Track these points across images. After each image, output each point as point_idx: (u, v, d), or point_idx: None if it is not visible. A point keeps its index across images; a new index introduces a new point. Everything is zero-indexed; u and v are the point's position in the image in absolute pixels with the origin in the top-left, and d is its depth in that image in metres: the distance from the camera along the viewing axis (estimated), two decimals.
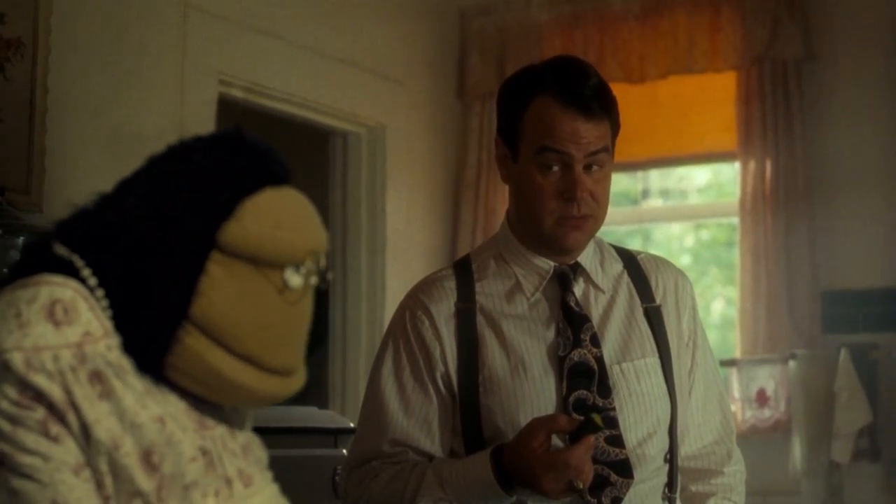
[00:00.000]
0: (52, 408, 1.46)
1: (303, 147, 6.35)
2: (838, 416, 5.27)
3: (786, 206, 5.60)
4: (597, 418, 2.14)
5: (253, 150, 1.61)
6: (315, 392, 6.45)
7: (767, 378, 5.53)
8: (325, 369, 5.96)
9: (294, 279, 1.58)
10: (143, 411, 1.50)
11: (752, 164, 5.71)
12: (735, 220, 5.86)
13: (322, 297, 5.76)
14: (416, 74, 6.05)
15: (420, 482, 2.28)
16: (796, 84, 5.67)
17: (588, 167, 2.32)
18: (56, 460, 1.46)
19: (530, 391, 2.31)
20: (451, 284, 2.41)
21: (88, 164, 4.05)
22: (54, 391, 1.46)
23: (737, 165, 5.81)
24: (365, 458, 2.39)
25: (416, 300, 2.41)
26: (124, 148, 4.11)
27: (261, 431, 3.72)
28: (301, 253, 1.58)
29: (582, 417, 2.18)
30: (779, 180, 5.63)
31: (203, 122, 4.54)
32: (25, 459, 1.45)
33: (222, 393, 1.57)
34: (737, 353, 5.67)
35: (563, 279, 2.39)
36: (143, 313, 1.53)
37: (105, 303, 1.53)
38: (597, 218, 2.37)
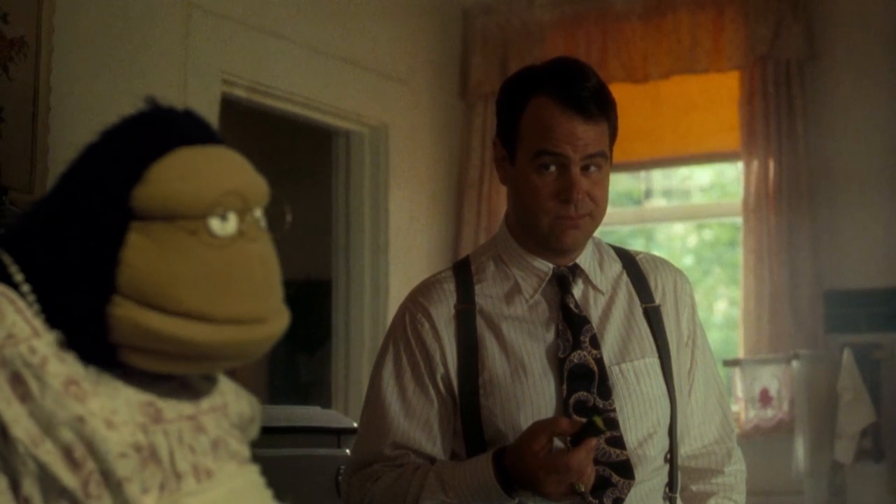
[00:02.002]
0: None
1: (306, 146, 6.38)
2: (841, 416, 5.27)
3: (789, 205, 5.60)
4: (598, 421, 2.14)
5: (164, 116, 1.57)
6: (318, 392, 6.46)
7: (771, 378, 5.53)
8: (328, 369, 5.96)
9: (216, 225, 1.52)
10: (61, 411, 1.47)
11: (755, 164, 5.71)
12: (738, 219, 5.86)
13: (324, 297, 5.69)
14: (419, 74, 6.05)
15: (422, 485, 2.28)
16: (799, 84, 5.67)
17: (585, 168, 2.31)
18: None
19: (530, 393, 2.31)
20: (450, 287, 2.41)
21: None
22: None
23: (740, 165, 5.81)
24: (366, 460, 2.38)
25: (415, 303, 2.41)
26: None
27: (264, 431, 3.72)
28: (212, 197, 1.52)
29: (584, 420, 2.18)
30: (782, 180, 5.63)
31: None
32: None
33: (184, 357, 1.52)
34: (740, 353, 5.68)
35: (562, 281, 2.39)
36: (72, 298, 1.50)
37: (32, 298, 1.50)
38: (594, 217, 2.36)
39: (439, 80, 6.21)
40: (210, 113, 4.68)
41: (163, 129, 1.55)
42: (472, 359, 2.34)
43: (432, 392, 2.35)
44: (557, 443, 2.21)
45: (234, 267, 1.53)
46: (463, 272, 2.44)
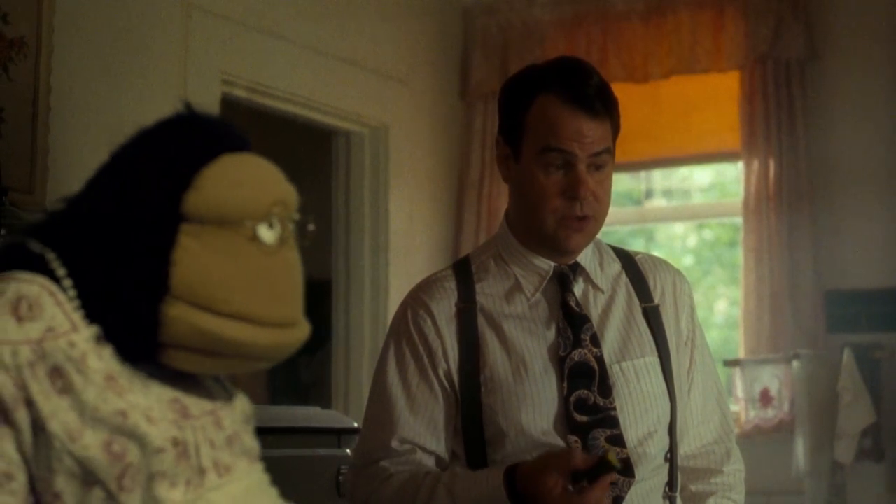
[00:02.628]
0: (3, 404, 1.47)
1: (306, 147, 6.37)
2: (842, 417, 5.27)
3: (789, 205, 5.60)
4: (612, 458, 2.13)
5: (205, 123, 1.64)
6: (318, 392, 6.46)
7: (771, 378, 5.53)
8: (328, 369, 5.96)
9: (265, 232, 1.60)
10: (103, 405, 1.51)
11: (755, 164, 5.71)
12: (738, 219, 5.86)
13: (324, 298, 5.70)
14: (420, 74, 6.05)
15: (431, 496, 2.28)
16: (800, 84, 5.67)
17: (591, 166, 2.32)
18: None
19: (531, 391, 2.31)
20: (451, 285, 2.41)
21: (91, 163, 4.01)
22: (6, 386, 1.47)
23: (740, 165, 5.81)
24: (373, 456, 2.38)
25: (417, 299, 2.42)
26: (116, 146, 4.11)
27: (265, 431, 3.72)
28: (264, 205, 1.60)
29: (597, 455, 2.17)
30: (782, 180, 5.63)
31: None
32: None
33: (226, 357, 1.58)
34: (740, 353, 5.67)
35: (563, 279, 2.39)
36: (123, 297, 1.54)
37: (73, 293, 1.54)
38: (597, 219, 2.37)
39: (439, 80, 6.21)
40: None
41: (208, 136, 1.62)
42: (473, 357, 2.34)
43: (436, 386, 2.36)
44: (554, 439, 2.22)
45: (279, 273, 1.61)
46: (463, 271, 2.44)
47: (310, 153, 6.39)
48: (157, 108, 1.66)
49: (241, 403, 1.73)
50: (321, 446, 3.74)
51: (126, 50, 4.36)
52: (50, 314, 1.51)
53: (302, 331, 1.65)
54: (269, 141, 6.82)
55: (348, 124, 5.75)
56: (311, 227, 1.69)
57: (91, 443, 1.49)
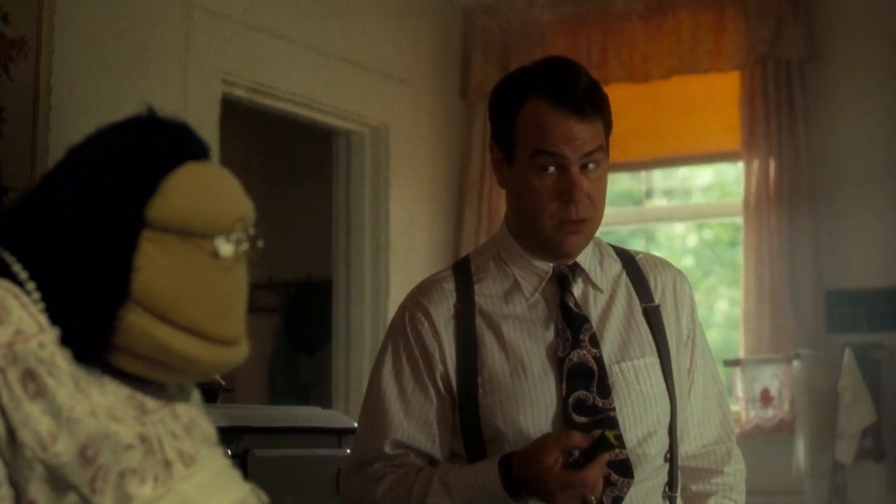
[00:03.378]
0: None
1: (306, 147, 6.38)
2: (842, 416, 5.27)
3: (789, 205, 5.60)
4: (610, 435, 2.14)
5: (169, 128, 1.62)
6: (319, 392, 6.46)
7: (771, 378, 5.53)
8: (328, 370, 5.96)
9: (224, 247, 1.59)
10: (77, 406, 1.50)
11: (755, 164, 5.71)
12: (738, 219, 5.86)
13: (325, 298, 5.68)
14: (420, 74, 6.05)
15: (426, 489, 2.28)
16: (800, 84, 5.68)
17: (584, 167, 2.31)
18: None
19: (530, 392, 2.31)
20: (449, 286, 2.41)
21: None
22: None
23: (740, 165, 5.82)
24: (367, 459, 2.38)
25: (415, 302, 2.41)
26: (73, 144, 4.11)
27: (265, 432, 3.72)
28: (229, 221, 1.59)
29: (595, 434, 2.18)
30: (782, 180, 5.63)
31: (206, 122, 4.54)
32: None
33: (170, 368, 1.58)
34: (741, 353, 5.68)
35: (562, 280, 2.39)
36: (83, 299, 1.53)
37: (37, 296, 1.53)
38: (594, 221, 2.36)
39: (440, 80, 6.21)
40: (210, 113, 4.68)
41: (172, 141, 1.60)
42: (471, 358, 2.34)
43: (431, 391, 2.35)
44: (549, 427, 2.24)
45: (231, 290, 1.61)
46: (463, 272, 2.44)
47: (310, 153, 6.39)
48: (157, 107, 1.65)
49: (192, 388, 1.73)
50: (321, 446, 3.74)
51: (126, 50, 4.36)
52: (17, 317, 1.49)
53: (243, 349, 1.64)
54: (269, 141, 6.82)
55: (349, 124, 5.75)
56: (260, 243, 1.65)
57: (64, 449, 1.48)
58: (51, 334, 1.51)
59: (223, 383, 3.78)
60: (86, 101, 4.15)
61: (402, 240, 5.86)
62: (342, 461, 3.60)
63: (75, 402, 1.50)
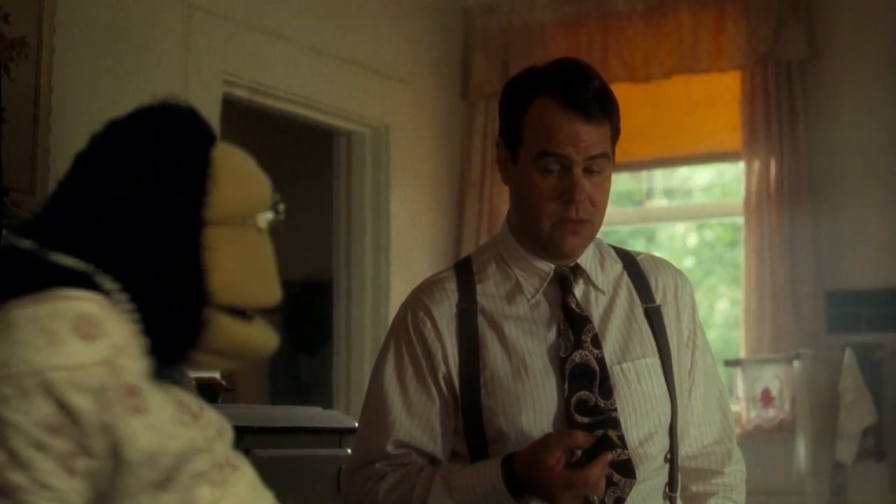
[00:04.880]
0: (82, 435, 1.43)
1: (307, 147, 6.37)
2: (843, 416, 5.27)
3: (790, 205, 5.60)
4: (613, 435, 2.14)
5: (186, 116, 1.65)
6: (319, 392, 6.46)
7: (772, 378, 5.53)
8: (329, 370, 5.96)
9: (264, 220, 1.65)
10: (171, 416, 1.51)
11: (756, 164, 5.71)
12: (739, 219, 5.86)
13: (326, 298, 5.67)
14: (421, 74, 6.05)
15: (427, 488, 2.28)
16: (800, 84, 5.68)
17: (587, 170, 2.31)
18: (66, 503, 1.43)
19: (532, 392, 2.31)
20: (451, 286, 2.41)
21: None
22: (92, 413, 1.43)
23: (741, 165, 5.82)
24: (368, 459, 2.38)
25: (417, 301, 2.41)
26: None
27: (266, 432, 3.72)
28: (268, 195, 1.66)
29: (598, 433, 2.18)
30: (783, 180, 5.63)
31: None
32: (36, 499, 1.41)
33: (241, 361, 1.66)
34: (741, 353, 5.67)
35: (564, 281, 2.39)
36: (168, 310, 1.53)
37: (128, 307, 1.51)
38: (594, 223, 2.36)
39: (440, 80, 6.21)
40: (211, 113, 4.68)
41: (198, 131, 1.63)
42: (473, 358, 2.34)
43: (434, 391, 2.35)
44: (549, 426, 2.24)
45: (272, 255, 1.67)
46: (464, 272, 2.44)
47: (311, 153, 6.39)
48: (160, 96, 1.67)
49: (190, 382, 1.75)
50: (322, 446, 3.75)
51: (127, 50, 4.37)
52: (113, 331, 1.46)
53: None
54: (270, 141, 6.85)
55: (349, 124, 5.75)
56: (281, 206, 1.70)
57: (164, 464, 1.48)
58: (141, 346, 1.50)
59: (224, 383, 3.78)
60: (86, 101, 4.15)
61: (403, 240, 5.86)
62: (343, 461, 3.61)
63: (168, 413, 1.50)
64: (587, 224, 2.33)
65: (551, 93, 2.31)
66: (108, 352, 1.44)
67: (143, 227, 1.54)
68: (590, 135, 2.29)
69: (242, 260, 1.60)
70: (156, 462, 1.46)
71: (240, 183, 1.62)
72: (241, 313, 1.61)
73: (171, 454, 1.48)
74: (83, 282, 1.49)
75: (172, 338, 1.54)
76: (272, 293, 1.65)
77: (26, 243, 1.54)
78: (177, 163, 1.58)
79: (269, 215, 1.65)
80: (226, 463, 1.59)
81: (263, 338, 1.65)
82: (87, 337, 1.43)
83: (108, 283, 1.51)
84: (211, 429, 1.60)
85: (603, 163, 2.32)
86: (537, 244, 2.38)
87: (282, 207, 1.68)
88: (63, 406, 1.41)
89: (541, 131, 2.31)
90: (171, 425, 1.50)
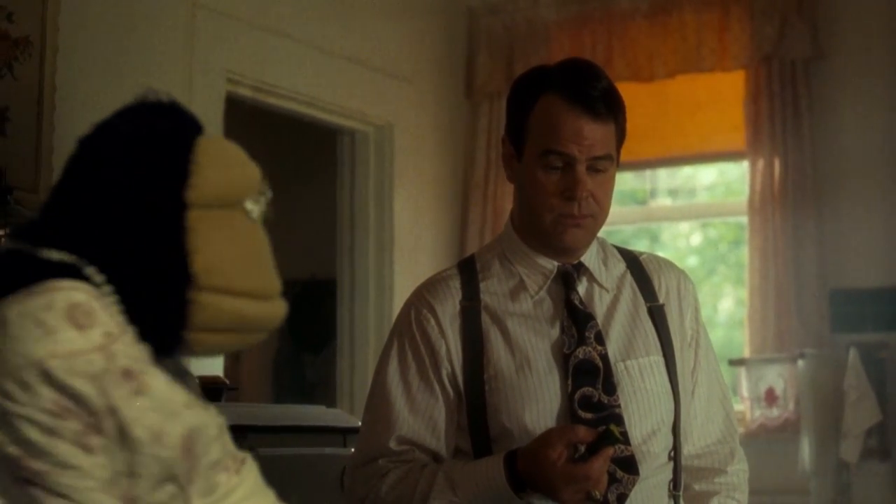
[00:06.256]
0: (90, 415, 1.46)
1: (311, 146, 6.37)
2: (847, 416, 5.26)
3: (794, 204, 5.60)
4: (615, 430, 2.14)
5: (170, 109, 1.66)
6: (323, 391, 6.46)
7: (776, 377, 5.52)
8: (332, 369, 5.96)
9: (253, 207, 1.65)
10: (175, 397, 1.53)
11: (760, 163, 5.71)
12: (743, 219, 5.86)
13: (329, 297, 5.67)
14: (425, 73, 6.05)
15: (430, 484, 2.28)
16: (805, 83, 5.67)
17: (591, 168, 2.31)
18: (92, 477, 1.46)
19: (536, 389, 2.31)
20: (455, 283, 2.41)
21: None
22: (94, 396, 1.46)
23: (745, 164, 5.82)
24: (371, 455, 2.38)
25: (421, 299, 2.41)
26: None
27: (270, 430, 3.72)
28: (255, 182, 1.66)
29: (600, 428, 2.18)
30: (787, 179, 5.63)
31: (211, 121, 4.53)
32: (63, 478, 1.45)
33: (243, 333, 1.63)
34: (745, 353, 5.67)
35: (567, 278, 2.39)
36: (152, 294, 1.55)
37: (115, 298, 1.54)
38: (597, 218, 2.36)
39: (444, 79, 6.21)
40: (215, 112, 4.68)
41: (179, 122, 1.65)
42: (477, 355, 2.34)
43: (437, 388, 2.35)
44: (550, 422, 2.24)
45: (265, 245, 1.67)
46: (468, 270, 2.44)
47: (315, 152, 6.39)
48: (153, 90, 1.68)
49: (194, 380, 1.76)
50: (326, 445, 3.75)
51: (131, 49, 4.37)
52: (103, 318, 1.51)
53: (283, 302, 1.69)
54: (273, 140, 6.84)
55: (353, 123, 5.75)
56: (269, 193, 1.70)
57: (174, 441, 1.50)
58: (132, 333, 1.53)
59: (227, 382, 3.78)
60: (90, 100, 4.15)
61: (407, 239, 5.86)
62: (347, 460, 3.61)
63: (172, 392, 1.53)
64: (589, 218, 2.34)
65: (557, 91, 2.31)
66: (101, 339, 1.48)
67: (124, 210, 1.57)
68: (594, 132, 2.29)
69: (228, 243, 1.59)
70: (163, 441, 1.49)
71: (224, 167, 1.62)
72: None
73: (179, 434, 1.51)
74: (71, 273, 1.53)
75: (159, 320, 1.55)
76: (264, 279, 1.64)
77: (17, 244, 1.58)
78: (157, 147, 1.60)
79: (253, 204, 1.64)
80: (236, 451, 1.62)
81: (258, 309, 1.62)
82: (79, 325, 1.47)
83: (94, 274, 1.54)
84: (219, 419, 1.63)
85: (606, 164, 2.33)
86: (540, 240, 2.38)
87: (267, 193, 1.68)
88: (65, 391, 1.45)
89: (545, 128, 2.31)
90: (176, 406, 1.52)
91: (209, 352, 1.62)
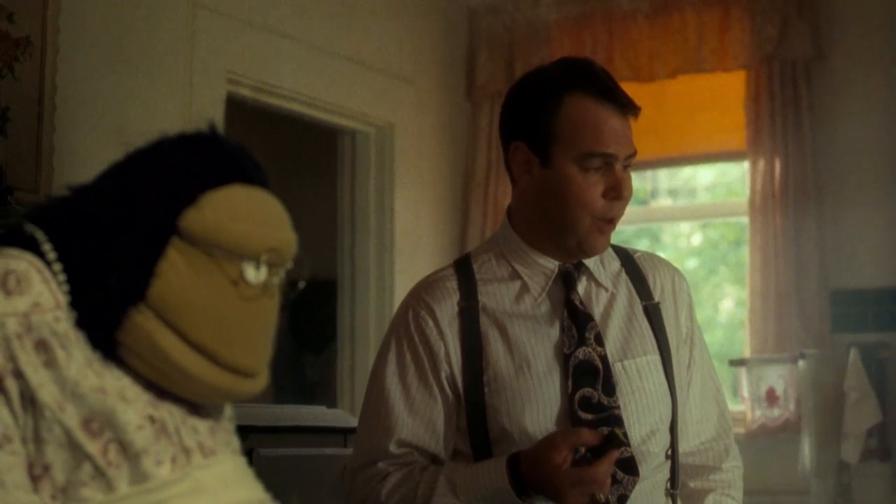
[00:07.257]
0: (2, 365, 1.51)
1: (311, 146, 6.37)
2: (848, 416, 5.26)
3: (795, 205, 5.59)
4: (619, 433, 2.15)
5: (226, 147, 1.64)
6: (324, 391, 6.46)
7: (777, 377, 5.52)
8: (333, 369, 5.96)
9: (250, 273, 1.60)
10: (84, 381, 1.54)
11: (761, 164, 5.70)
12: (744, 219, 5.85)
13: (330, 297, 5.68)
14: (425, 73, 6.05)
15: (432, 488, 2.28)
16: (805, 83, 5.67)
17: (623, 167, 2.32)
18: None
19: (536, 390, 2.31)
20: (452, 284, 2.40)
21: (96, 162, 4.02)
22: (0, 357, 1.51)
23: (746, 164, 5.81)
24: (371, 458, 2.38)
25: (419, 299, 2.40)
26: (132, 147, 4.12)
27: (270, 431, 3.72)
28: (257, 247, 1.60)
29: (605, 431, 2.18)
30: (788, 179, 5.62)
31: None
32: None
33: (172, 379, 1.59)
34: (746, 353, 5.67)
35: (568, 278, 2.39)
36: (100, 289, 1.57)
37: (62, 277, 1.57)
38: (615, 223, 2.37)
39: (445, 79, 6.21)
40: (215, 112, 4.68)
41: (224, 160, 1.62)
42: (476, 356, 2.34)
43: (436, 390, 2.35)
44: (551, 425, 2.25)
45: (253, 321, 1.61)
46: (464, 269, 2.43)
47: (315, 152, 6.39)
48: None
49: (224, 407, 1.73)
50: (327, 445, 3.74)
51: (132, 49, 4.37)
52: (37, 290, 1.55)
53: (258, 383, 1.63)
54: (274, 140, 6.83)
55: (354, 123, 5.75)
56: (301, 284, 1.65)
57: (73, 415, 1.52)
58: (66, 312, 1.56)
59: None
60: (91, 100, 4.15)
61: (408, 239, 5.86)
62: (347, 461, 3.61)
63: (81, 377, 1.54)
64: (614, 223, 2.35)
65: (583, 90, 2.29)
66: (25, 307, 1.53)
67: (114, 206, 1.59)
68: (627, 129, 2.31)
69: (198, 289, 1.57)
70: (66, 411, 1.51)
71: (231, 215, 1.58)
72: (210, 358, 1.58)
73: (79, 413, 1.52)
74: (31, 247, 1.58)
75: (91, 318, 1.57)
76: (228, 348, 1.58)
77: (21, 219, 1.64)
78: (175, 170, 1.60)
79: (252, 268, 1.59)
80: (197, 448, 1.60)
81: (195, 366, 1.57)
82: (8, 291, 1.53)
83: (49, 251, 1.58)
84: (189, 420, 1.62)
85: (632, 160, 2.33)
86: (560, 245, 2.36)
87: (274, 276, 1.61)
88: None
89: (582, 129, 2.29)
90: (82, 388, 1.53)
91: (143, 374, 1.60)
